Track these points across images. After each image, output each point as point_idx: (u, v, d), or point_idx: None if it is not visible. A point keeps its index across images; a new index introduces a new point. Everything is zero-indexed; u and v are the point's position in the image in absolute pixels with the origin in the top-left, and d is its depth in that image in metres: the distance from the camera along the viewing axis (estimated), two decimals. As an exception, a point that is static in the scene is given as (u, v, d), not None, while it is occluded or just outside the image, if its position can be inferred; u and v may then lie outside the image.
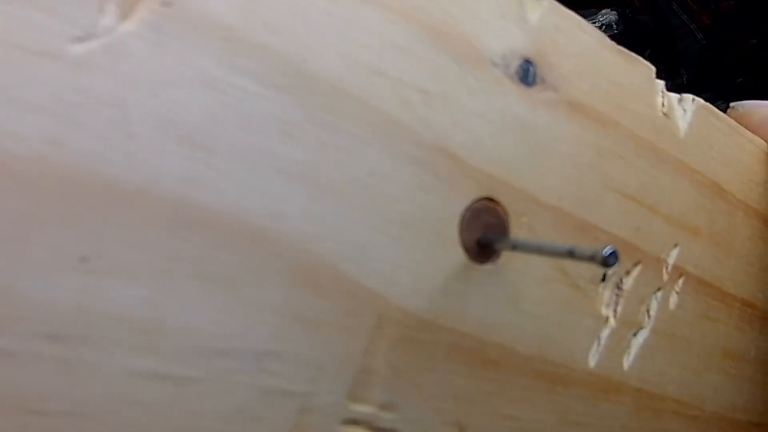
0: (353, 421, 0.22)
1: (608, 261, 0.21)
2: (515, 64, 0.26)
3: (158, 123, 0.18)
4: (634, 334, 0.31)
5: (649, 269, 0.31)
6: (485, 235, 0.25)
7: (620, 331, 0.30)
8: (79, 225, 0.17)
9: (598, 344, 0.29)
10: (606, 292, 0.30)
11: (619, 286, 0.30)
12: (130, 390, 0.18)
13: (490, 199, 0.26)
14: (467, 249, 0.25)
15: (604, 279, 0.30)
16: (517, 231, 0.27)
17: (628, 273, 0.30)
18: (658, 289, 0.32)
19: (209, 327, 0.19)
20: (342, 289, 0.22)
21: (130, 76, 0.18)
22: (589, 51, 0.29)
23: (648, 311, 0.32)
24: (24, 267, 0.16)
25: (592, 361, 0.29)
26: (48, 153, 0.17)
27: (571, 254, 0.22)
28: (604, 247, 0.21)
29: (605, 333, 0.30)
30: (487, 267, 0.26)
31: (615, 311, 0.30)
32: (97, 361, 0.17)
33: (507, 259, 0.26)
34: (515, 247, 0.24)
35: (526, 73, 0.27)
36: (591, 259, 0.21)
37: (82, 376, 0.17)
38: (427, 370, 0.24)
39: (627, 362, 0.31)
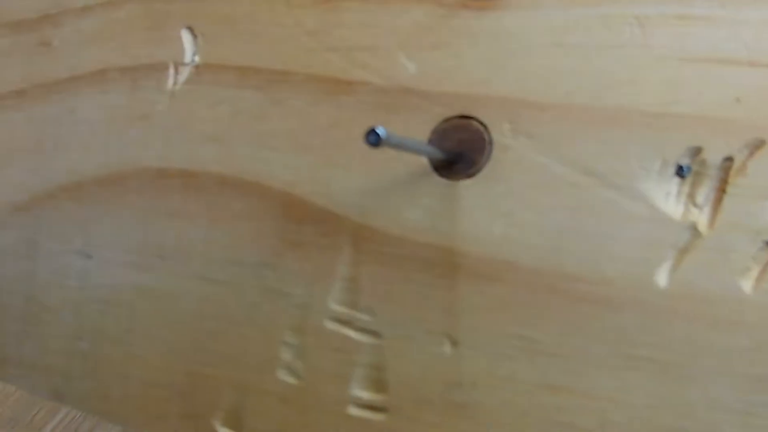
0: (338, 320, 0.29)
1: (368, 139, 0.22)
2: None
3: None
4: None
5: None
6: (451, 151, 0.27)
7: (726, 240, 0.23)
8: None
9: (674, 258, 0.24)
10: (686, 189, 0.24)
11: (723, 178, 0.24)
12: (199, 289, 0.31)
13: (463, 117, 0.27)
14: (437, 167, 0.27)
15: (680, 172, 0.24)
16: (505, 140, 0.26)
17: (728, 160, 0.23)
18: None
19: (228, 246, 0.31)
20: (315, 217, 0.29)
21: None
22: None
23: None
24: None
25: (661, 281, 0.24)
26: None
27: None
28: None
29: (687, 244, 0.24)
30: (464, 182, 0.27)
31: (713, 214, 0.24)
32: (182, 271, 0.32)
33: (495, 170, 0.27)
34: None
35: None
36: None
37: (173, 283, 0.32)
38: (404, 282, 0.27)
39: (748, 282, 0.23)
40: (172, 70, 0.33)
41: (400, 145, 0.23)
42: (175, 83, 0.32)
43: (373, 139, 0.21)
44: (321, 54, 0.29)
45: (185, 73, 0.32)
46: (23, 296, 0.36)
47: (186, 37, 0.32)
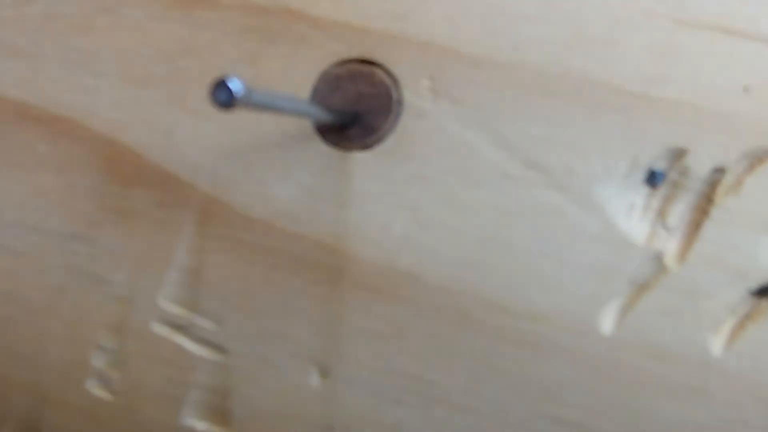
0: (170, 323, 0.21)
1: (215, 97, 0.14)
2: None
3: None
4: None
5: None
6: (342, 110, 0.19)
7: (699, 280, 0.16)
8: None
9: (627, 296, 0.17)
10: (655, 204, 0.17)
11: (707, 195, 0.17)
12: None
13: (365, 62, 0.19)
14: (322, 130, 0.19)
15: (652, 180, 0.17)
16: (421, 101, 0.19)
17: (719, 171, 0.16)
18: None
19: (28, 206, 0.22)
20: (149, 178, 0.21)
21: None
22: None
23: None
24: None
25: (606, 325, 0.17)
26: None
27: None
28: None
29: (647, 279, 0.17)
30: (359, 155, 0.19)
31: (686, 242, 0.17)
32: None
33: (402, 143, 0.19)
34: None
35: None
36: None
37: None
38: (264, 283, 0.20)
39: (718, 339, 0.17)
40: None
41: (266, 106, 0.15)
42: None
43: (223, 97, 0.13)
44: (173, -56, 0.20)
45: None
46: None
47: None
